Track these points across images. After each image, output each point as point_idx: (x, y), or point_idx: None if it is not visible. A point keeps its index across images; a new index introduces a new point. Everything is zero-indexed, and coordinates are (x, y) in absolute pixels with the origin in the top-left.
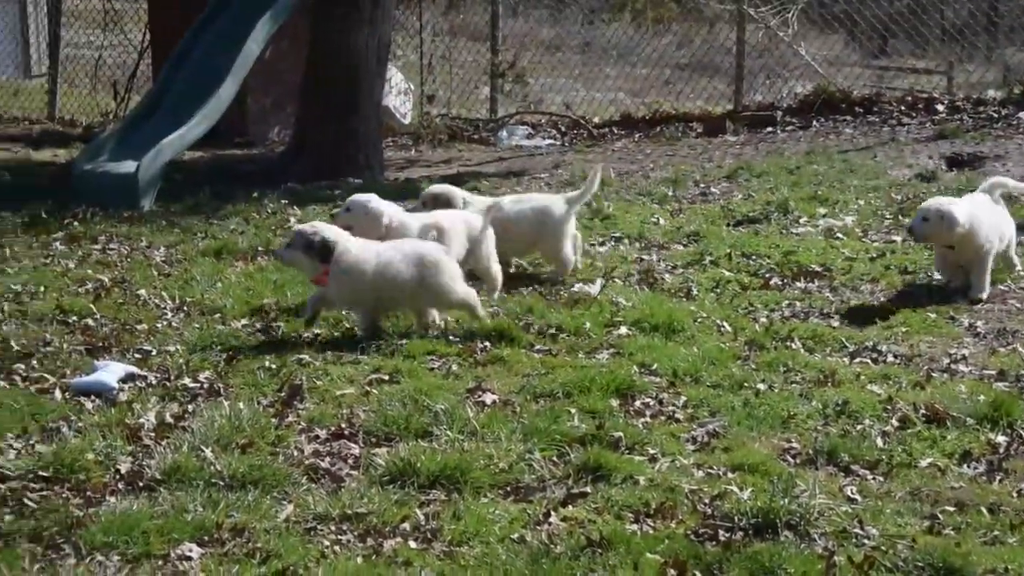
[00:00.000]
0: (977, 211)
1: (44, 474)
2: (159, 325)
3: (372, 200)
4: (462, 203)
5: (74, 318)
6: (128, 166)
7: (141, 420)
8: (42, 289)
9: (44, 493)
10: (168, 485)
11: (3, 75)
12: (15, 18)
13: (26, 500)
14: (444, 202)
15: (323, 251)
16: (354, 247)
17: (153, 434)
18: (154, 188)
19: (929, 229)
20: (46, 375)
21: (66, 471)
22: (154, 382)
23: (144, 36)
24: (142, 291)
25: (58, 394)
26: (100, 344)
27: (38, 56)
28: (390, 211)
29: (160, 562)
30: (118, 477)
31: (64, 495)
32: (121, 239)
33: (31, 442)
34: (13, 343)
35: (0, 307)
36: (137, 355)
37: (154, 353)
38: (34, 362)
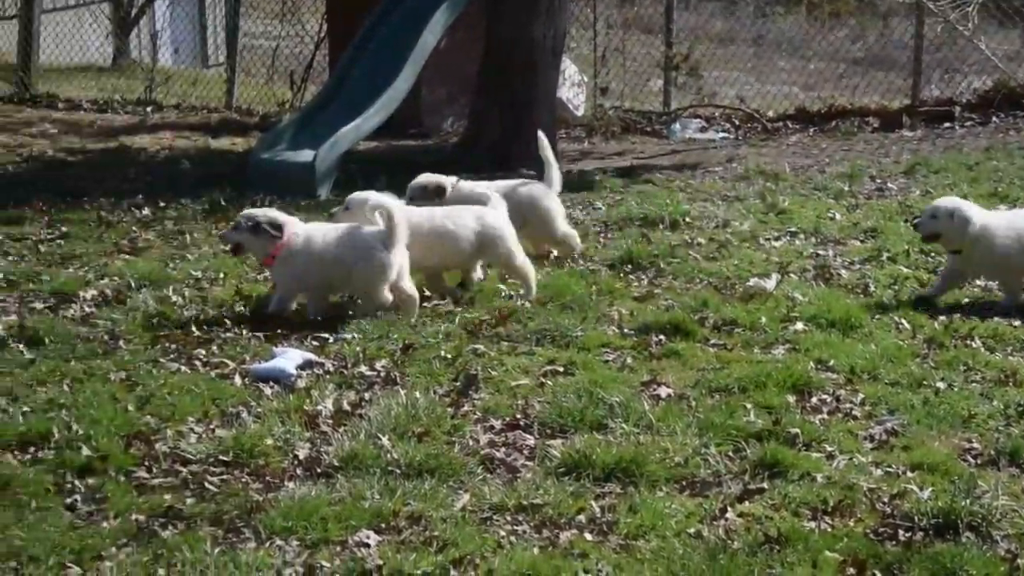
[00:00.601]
0: (1002, 221)
1: (224, 458)
2: (336, 313)
3: (371, 197)
4: (449, 189)
5: (253, 304)
6: (306, 155)
7: (319, 407)
8: (221, 276)
9: (224, 477)
10: (345, 472)
11: (182, 64)
12: (194, 8)
13: (207, 484)
14: (435, 191)
15: (272, 231)
16: (300, 232)
17: (331, 421)
18: (331, 177)
19: (936, 227)
20: (226, 361)
21: (246, 456)
22: (331, 369)
23: (321, 27)
24: None
25: (238, 380)
26: (279, 331)
27: (215, 46)
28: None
29: (338, 548)
30: (296, 463)
31: (244, 479)
32: None
33: (211, 427)
34: (194, 328)
35: (181, 293)
36: (314, 342)
37: (331, 341)
38: (214, 348)
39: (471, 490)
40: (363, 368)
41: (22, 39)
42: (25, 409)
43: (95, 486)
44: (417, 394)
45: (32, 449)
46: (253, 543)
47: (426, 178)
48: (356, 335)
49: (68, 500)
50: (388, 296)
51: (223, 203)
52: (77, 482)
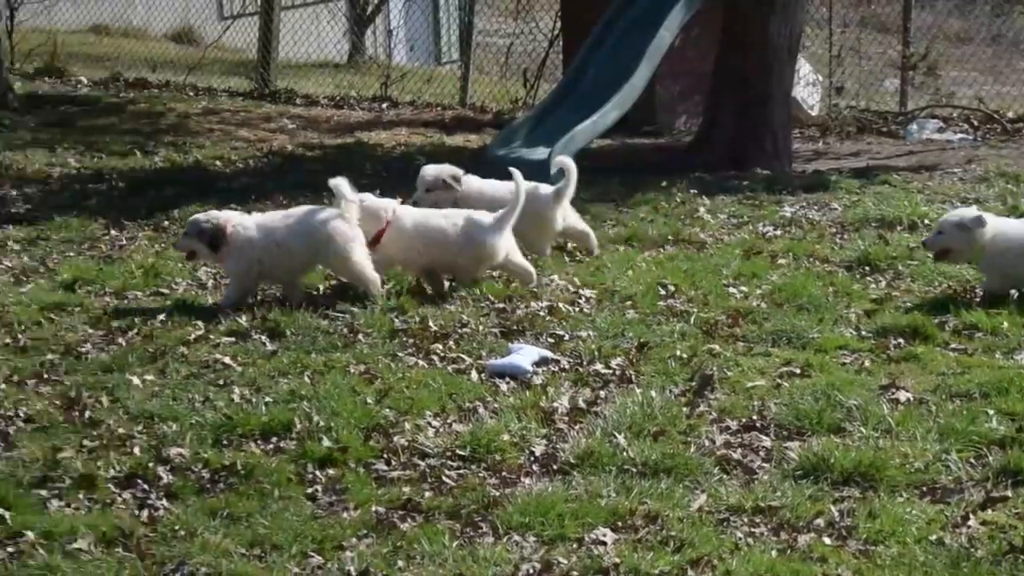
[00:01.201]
0: (1014, 228)
1: (461, 453)
2: (572, 310)
3: (367, 198)
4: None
5: (489, 301)
6: (540, 152)
7: (554, 404)
8: None
9: (461, 472)
10: (581, 469)
11: (417, 62)
12: (429, 6)
13: (444, 478)
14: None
15: (214, 237)
16: (247, 224)
17: (566, 418)
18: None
19: (944, 242)
20: (463, 356)
21: (482, 451)
22: (567, 367)
23: (555, 24)
24: (555, 276)
25: (474, 375)
26: (514, 327)
27: (448, 43)
28: (388, 206)
29: (575, 545)
30: (532, 459)
31: (481, 474)
32: None
33: (449, 421)
34: (432, 323)
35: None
36: (550, 339)
37: (566, 338)
38: (451, 343)
39: (707, 491)
40: (598, 366)
41: (262, 36)
42: (267, 400)
43: (335, 477)
44: (652, 393)
45: (274, 439)
46: (491, 538)
47: (438, 169)
48: (591, 333)
49: (309, 490)
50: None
51: None
52: (318, 472)
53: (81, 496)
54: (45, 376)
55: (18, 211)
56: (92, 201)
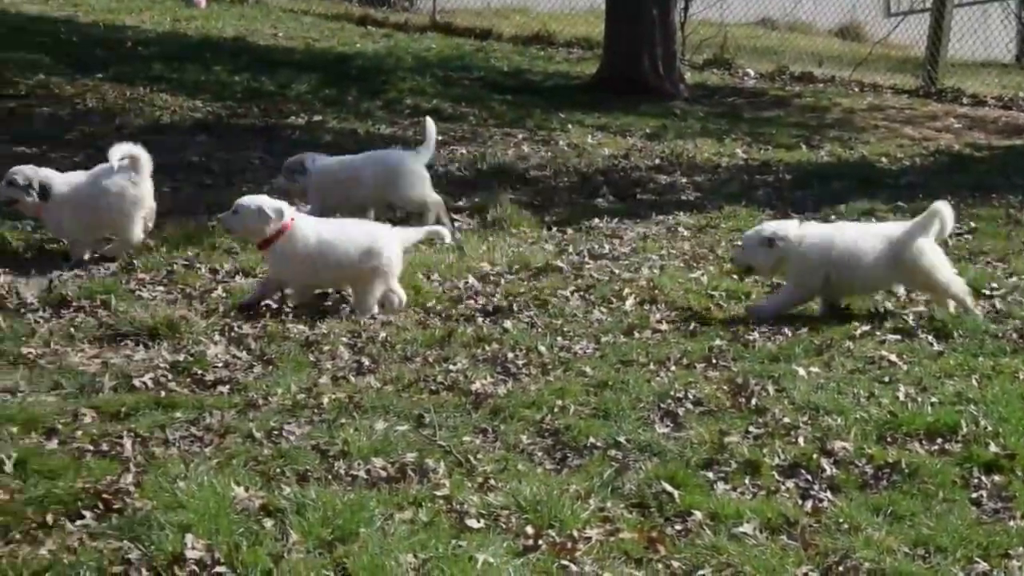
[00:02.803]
0: (814, 237)
1: None
2: None
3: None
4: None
5: None
6: None
7: None
8: None
9: None
10: None
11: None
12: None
13: None
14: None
15: (42, 191)
16: (64, 181)
17: None
18: None
19: (745, 254)
20: None
21: None
22: None
23: None
24: None
25: None
26: None
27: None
28: None
29: None
30: None
31: None
32: None
33: None
34: None
35: None
36: None
37: None
38: None
39: None
40: None
41: (932, 33)
42: (933, 400)
43: (1001, 484)
44: None
45: (939, 440)
46: None
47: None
48: None
49: (974, 494)
50: (140, 234)
51: None
52: (983, 478)
53: (746, 481)
54: (714, 361)
55: (688, 198)
56: (759, 192)
